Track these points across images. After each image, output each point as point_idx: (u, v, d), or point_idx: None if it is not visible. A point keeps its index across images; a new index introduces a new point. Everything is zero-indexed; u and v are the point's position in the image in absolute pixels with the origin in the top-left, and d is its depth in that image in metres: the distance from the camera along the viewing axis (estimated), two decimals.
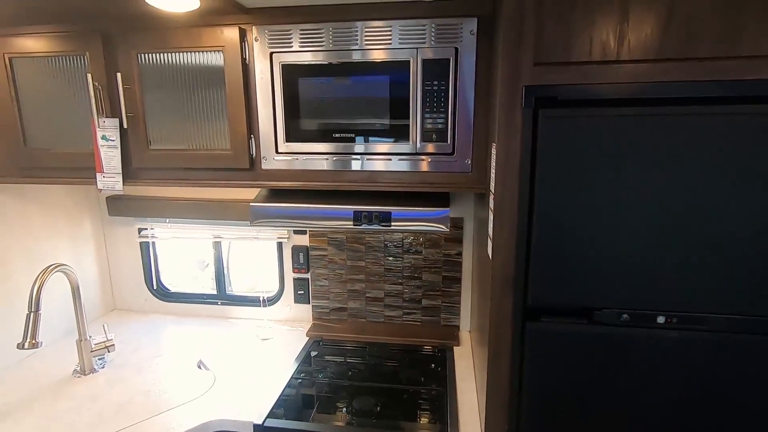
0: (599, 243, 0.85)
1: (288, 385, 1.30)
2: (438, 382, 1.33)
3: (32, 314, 1.15)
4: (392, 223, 1.12)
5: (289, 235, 1.65)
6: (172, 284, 1.86)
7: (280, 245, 1.68)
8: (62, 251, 1.59)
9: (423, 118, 1.08)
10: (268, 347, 1.52)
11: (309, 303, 1.70)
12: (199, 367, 1.42)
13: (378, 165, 1.13)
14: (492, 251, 0.93)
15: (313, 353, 1.50)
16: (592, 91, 0.82)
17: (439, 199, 1.19)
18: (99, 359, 1.42)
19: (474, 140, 1.08)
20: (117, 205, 1.69)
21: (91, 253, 1.72)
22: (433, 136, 1.09)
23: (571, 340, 0.90)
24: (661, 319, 0.87)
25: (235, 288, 1.82)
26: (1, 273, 1.37)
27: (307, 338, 1.59)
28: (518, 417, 0.98)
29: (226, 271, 1.78)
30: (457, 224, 1.56)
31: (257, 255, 1.74)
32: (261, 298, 1.73)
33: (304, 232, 1.64)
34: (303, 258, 1.65)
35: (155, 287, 1.80)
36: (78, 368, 1.38)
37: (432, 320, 1.64)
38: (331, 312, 1.69)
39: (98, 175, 1.23)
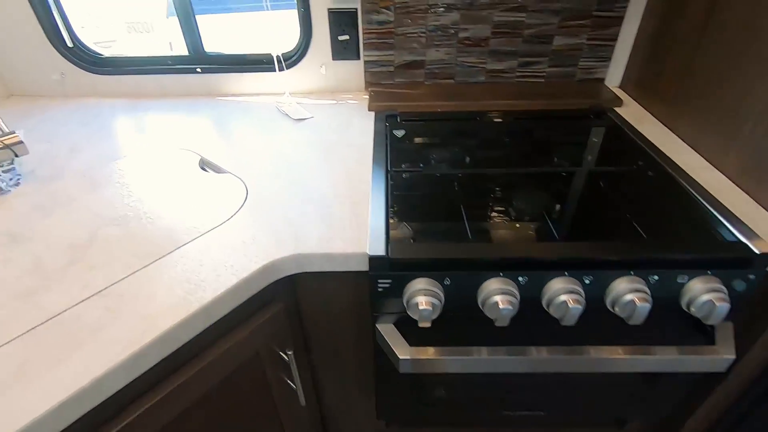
0: None
1: (390, 188, 0.72)
2: (630, 158, 0.79)
3: None
4: None
5: None
6: (101, 45, 1.07)
7: None
8: None
9: None
10: (309, 131, 0.89)
11: (359, 57, 1.00)
12: (204, 169, 0.80)
13: None
14: None
15: (397, 132, 0.89)
16: None
17: None
18: (3, 171, 0.75)
19: None
20: None
21: None
22: None
23: None
24: None
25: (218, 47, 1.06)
26: None
27: (372, 113, 0.96)
28: None
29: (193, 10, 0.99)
30: None
31: None
32: (275, 57, 1.00)
33: None
34: None
35: (70, 46, 1.01)
36: None
37: (563, 72, 1.02)
38: (396, 71, 1.02)
39: None
